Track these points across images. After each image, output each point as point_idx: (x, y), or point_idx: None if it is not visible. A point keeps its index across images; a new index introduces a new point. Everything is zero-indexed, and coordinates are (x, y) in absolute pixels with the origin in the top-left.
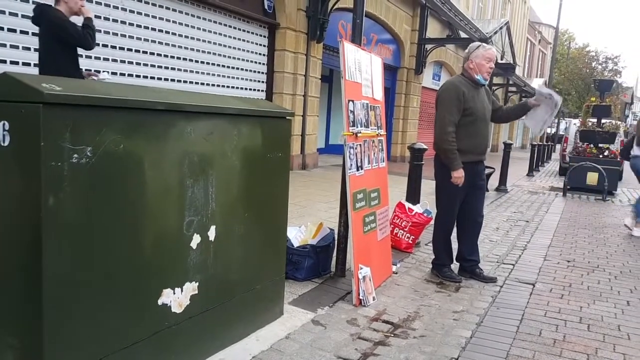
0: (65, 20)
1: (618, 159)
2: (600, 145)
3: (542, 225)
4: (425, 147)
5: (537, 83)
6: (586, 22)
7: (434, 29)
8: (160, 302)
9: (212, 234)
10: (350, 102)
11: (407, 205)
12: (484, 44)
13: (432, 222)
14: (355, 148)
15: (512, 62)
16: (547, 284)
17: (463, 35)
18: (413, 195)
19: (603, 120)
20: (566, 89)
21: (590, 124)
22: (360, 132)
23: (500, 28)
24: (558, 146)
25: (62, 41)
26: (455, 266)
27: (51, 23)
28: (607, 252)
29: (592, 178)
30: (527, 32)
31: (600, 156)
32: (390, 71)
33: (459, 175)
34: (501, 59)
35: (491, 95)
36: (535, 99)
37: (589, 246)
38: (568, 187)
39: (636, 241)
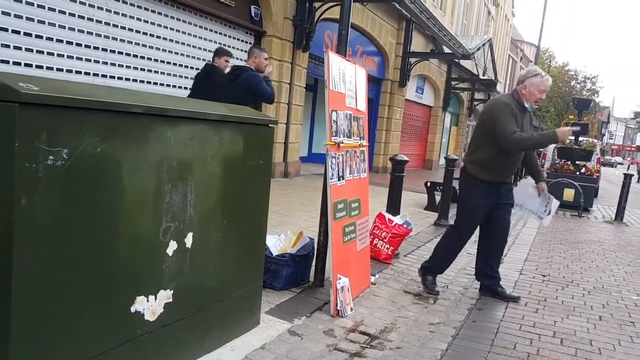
0: (262, 79)
1: (594, 177)
2: (577, 162)
3: (519, 240)
4: (406, 159)
5: (555, 203)
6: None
7: (418, 43)
8: (133, 309)
9: (189, 240)
10: (334, 112)
11: (387, 216)
12: (542, 72)
13: (412, 233)
14: (338, 158)
15: (494, 78)
16: (523, 298)
17: (447, 50)
18: (393, 206)
19: (580, 138)
20: (545, 106)
21: (568, 141)
22: (343, 142)
23: (483, 44)
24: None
25: (256, 95)
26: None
27: (250, 80)
28: (581, 267)
29: (568, 194)
30: (510, 49)
31: (577, 173)
32: (375, 83)
33: (562, 134)
34: (483, 75)
35: (532, 122)
36: (545, 193)
37: (564, 261)
38: None
39: (609, 257)
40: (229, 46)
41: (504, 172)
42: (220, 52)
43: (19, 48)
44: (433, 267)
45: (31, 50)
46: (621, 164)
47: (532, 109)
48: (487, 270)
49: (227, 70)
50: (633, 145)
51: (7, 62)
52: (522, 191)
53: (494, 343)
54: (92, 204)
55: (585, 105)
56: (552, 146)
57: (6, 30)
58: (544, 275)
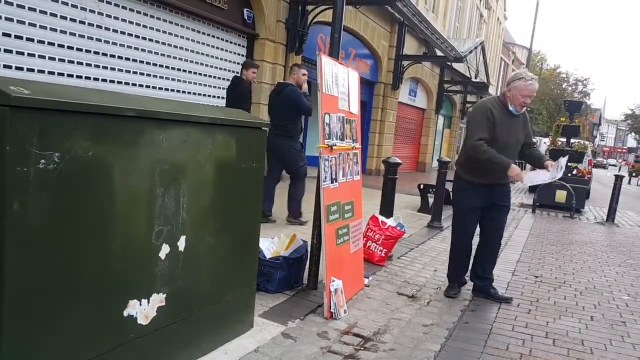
0: (301, 94)
1: (586, 178)
2: (569, 164)
3: (512, 241)
4: (399, 161)
5: (564, 160)
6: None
7: (411, 46)
8: (125, 313)
9: (181, 244)
10: (327, 115)
11: (381, 218)
12: (528, 75)
13: (405, 235)
14: (330, 160)
15: (486, 81)
16: (515, 299)
17: (439, 53)
18: (387, 208)
19: (572, 140)
20: (537, 108)
21: (560, 143)
22: (336, 145)
23: (475, 47)
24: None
25: (297, 109)
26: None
27: (291, 95)
28: (573, 268)
29: (560, 196)
30: (502, 52)
31: (569, 175)
32: (368, 85)
33: (513, 173)
34: (475, 78)
35: (528, 127)
36: (553, 164)
37: (556, 262)
38: (537, 204)
39: (601, 258)
40: (222, 49)
41: (489, 174)
42: (247, 65)
43: (10, 51)
44: (450, 276)
45: (22, 53)
46: (614, 165)
47: (517, 112)
48: (479, 271)
49: (254, 80)
50: (624, 147)
51: (32, 70)
52: (534, 175)
53: (487, 344)
54: (84, 207)
55: (577, 107)
56: (544, 148)
57: (32, 40)
58: (536, 276)
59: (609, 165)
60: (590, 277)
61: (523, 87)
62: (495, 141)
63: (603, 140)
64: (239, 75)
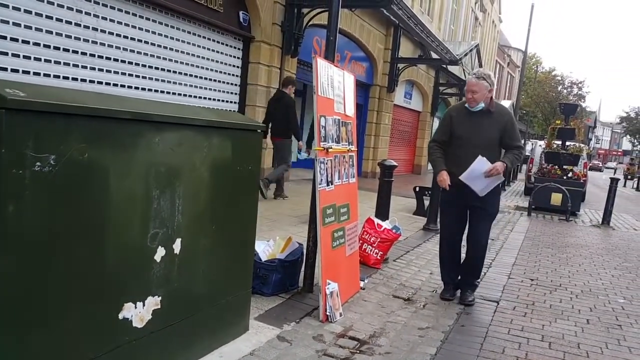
0: (295, 112)
1: (582, 181)
2: (564, 166)
3: (507, 244)
4: (395, 164)
5: (477, 163)
6: (554, 46)
7: (406, 49)
8: (121, 316)
9: (177, 246)
10: (322, 118)
11: (376, 221)
12: (471, 74)
13: (401, 238)
14: (326, 163)
15: None
16: (511, 302)
17: (434, 55)
18: (382, 211)
19: (567, 143)
20: (533, 111)
21: (555, 146)
22: (332, 148)
23: (471, 50)
24: (524, 167)
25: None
26: None
27: (290, 110)
28: (569, 271)
29: (556, 198)
30: (497, 55)
31: (565, 177)
32: (363, 88)
33: (440, 179)
34: None
35: (509, 128)
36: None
37: (552, 265)
38: (533, 206)
39: (597, 261)
40: (217, 52)
41: (455, 170)
42: (288, 82)
43: (5, 53)
44: (442, 277)
45: (17, 56)
46: (613, 168)
47: (471, 108)
48: (459, 271)
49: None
50: (619, 150)
51: (28, 72)
52: (469, 174)
53: (483, 347)
54: (79, 210)
55: (572, 110)
56: (539, 150)
57: (28, 43)
58: (532, 279)
59: (608, 168)
60: (586, 280)
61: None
62: (457, 139)
63: (598, 143)
64: (282, 89)
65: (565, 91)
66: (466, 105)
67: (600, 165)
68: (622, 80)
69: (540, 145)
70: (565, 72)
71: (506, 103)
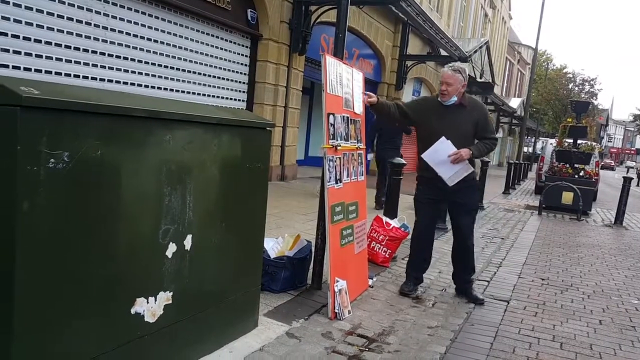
0: None
1: (593, 180)
2: (576, 165)
3: (518, 243)
4: (404, 162)
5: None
6: (565, 43)
7: (415, 46)
8: (133, 311)
9: (188, 243)
10: (331, 115)
11: (385, 219)
12: (447, 67)
13: (409, 236)
14: (335, 161)
15: (491, 81)
16: (522, 302)
17: (443, 53)
18: (391, 209)
19: (579, 141)
20: (543, 109)
21: (566, 144)
22: (340, 145)
23: (480, 47)
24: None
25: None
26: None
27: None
28: (580, 271)
29: (567, 197)
30: (507, 52)
31: (576, 176)
32: (371, 86)
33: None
34: (480, 78)
35: (483, 121)
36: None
37: (563, 265)
38: (543, 205)
39: (609, 261)
40: (225, 50)
41: (429, 168)
42: None
43: (18, 52)
44: (407, 269)
45: (30, 54)
46: (633, 167)
47: (443, 101)
48: (454, 272)
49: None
50: (632, 148)
51: (7, 66)
52: (432, 152)
53: (493, 347)
54: (92, 206)
55: (584, 108)
56: (550, 149)
57: (5, 34)
58: (542, 279)
59: (628, 167)
60: (598, 280)
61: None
62: (432, 133)
63: (610, 142)
64: None
65: (576, 89)
66: (439, 99)
67: (613, 164)
68: (635, 78)
69: (551, 144)
70: (577, 69)
71: (516, 101)
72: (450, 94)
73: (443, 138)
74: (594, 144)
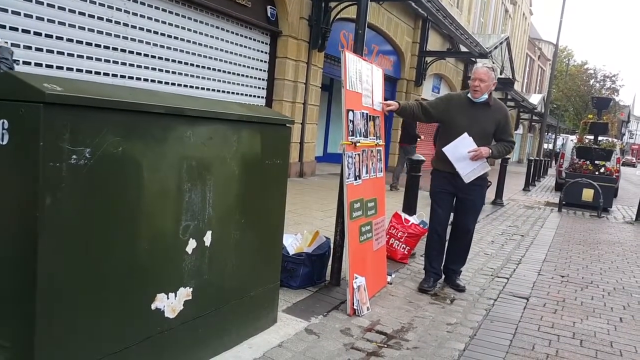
0: None
1: (614, 176)
2: (596, 162)
3: (537, 240)
4: (423, 158)
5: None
6: (586, 39)
7: (434, 42)
8: (153, 306)
9: (208, 239)
10: (350, 112)
11: (404, 216)
12: (481, 64)
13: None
14: (354, 157)
15: (511, 77)
16: (541, 299)
17: (463, 49)
18: (409, 206)
19: (600, 138)
20: (564, 105)
21: (587, 140)
22: (359, 142)
23: (501, 43)
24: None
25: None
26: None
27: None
28: (601, 268)
29: (587, 194)
30: (527, 48)
31: (597, 173)
32: (391, 82)
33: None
34: (500, 74)
35: (504, 122)
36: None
37: (583, 262)
38: (563, 202)
39: (630, 258)
40: (245, 46)
41: (447, 162)
42: None
43: (40, 49)
44: (425, 266)
45: (51, 52)
46: None
47: (474, 98)
48: (446, 260)
49: None
50: None
51: (29, 63)
52: (453, 148)
53: (512, 344)
54: (113, 202)
55: (605, 104)
56: (570, 146)
57: (28, 32)
58: (562, 276)
59: None
60: (619, 277)
61: (473, 72)
62: (455, 127)
63: (632, 138)
64: None
65: (597, 85)
66: (469, 95)
67: (634, 160)
68: None
69: (571, 140)
70: (598, 65)
71: (537, 97)
72: (482, 91)
73: (465, 134)
74: (615, 140)
